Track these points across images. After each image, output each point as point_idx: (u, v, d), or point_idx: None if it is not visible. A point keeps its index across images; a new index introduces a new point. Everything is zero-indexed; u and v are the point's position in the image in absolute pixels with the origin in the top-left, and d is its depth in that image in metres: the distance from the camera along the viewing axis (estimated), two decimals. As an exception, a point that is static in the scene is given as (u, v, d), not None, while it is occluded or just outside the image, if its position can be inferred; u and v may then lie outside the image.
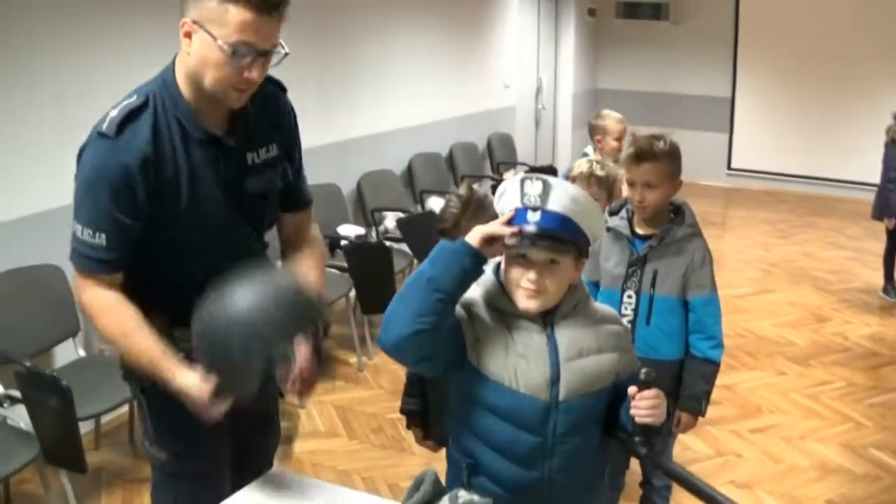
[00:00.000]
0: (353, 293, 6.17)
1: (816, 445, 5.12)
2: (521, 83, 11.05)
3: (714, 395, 3.50)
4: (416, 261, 6.84)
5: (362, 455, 4.95)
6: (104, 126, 2.38)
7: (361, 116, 7.48)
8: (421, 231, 6.77)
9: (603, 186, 3.89)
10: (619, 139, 5.75)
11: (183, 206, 2.47)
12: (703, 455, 4.93)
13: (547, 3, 11.80)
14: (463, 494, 2.25)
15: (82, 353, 4.80)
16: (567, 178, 3.96)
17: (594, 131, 5.76)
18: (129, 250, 2.46)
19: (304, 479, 2.81)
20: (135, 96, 2.44)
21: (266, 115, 2.67)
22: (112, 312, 2.45)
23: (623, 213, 3.54)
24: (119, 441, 5.03)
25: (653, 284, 3.42)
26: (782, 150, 12.30)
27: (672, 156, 3.40)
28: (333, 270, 6.23)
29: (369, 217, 7.32)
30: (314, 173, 6.52)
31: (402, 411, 3.32)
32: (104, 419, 4.93)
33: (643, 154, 3.38)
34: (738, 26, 12.36)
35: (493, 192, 2.30)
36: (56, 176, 4.68)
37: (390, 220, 7.25)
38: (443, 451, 3.28)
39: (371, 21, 7.56)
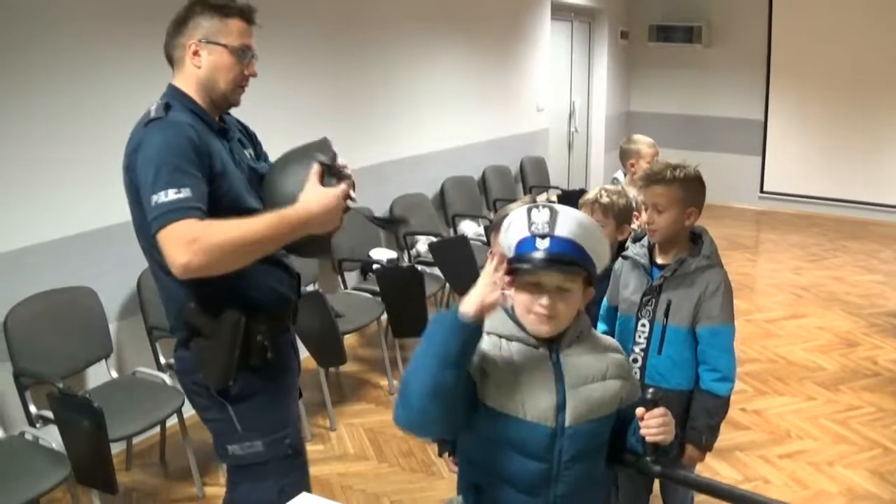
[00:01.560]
0: (384, 317, 6.16)
1: (845, 471, 5.06)
2: (553, 106, 11.06)
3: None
4: (447, 285, 6.86)
5: (392, 478, 4.94)
6: (152, 114, 2.72)
7: (395, 140, 7.51)
8: (453, 255, 6.77)
9: (608, 214, 3.87)
10: (651, 162, 5.76)
11: (223, 184, 2.78)
12: (731, 480, 4.88)
13: (580, 26, 11.83)
14: None
15: (115, 374, 4.83)
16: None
17: (627, 156, 5.77)
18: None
19: (334, 503, 2.82)
20: (156, 102, 2.80)
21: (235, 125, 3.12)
22: (216, 223, 2.60)
23: (645, 240, 3.54)
24: (150, 462, 5.05)
25: (666, 314, 3.40)
26: (815, 173, 12.24)
27: (686, 183, 3.37)
28: (365, 294, 6.26)
29: (401, 241, 7.33)
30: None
31: (434, 439, 3.32)
32: (136, 440, 4.96)
33: (653, 176, 3.39)
34: (771, 49, 12.33)
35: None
36: (91, 199, 4.76)
37: (422, 244, 7.26)
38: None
39: (405, 44, 7.61)
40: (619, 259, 3.62)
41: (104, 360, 4.79)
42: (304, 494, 2.72)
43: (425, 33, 7.94)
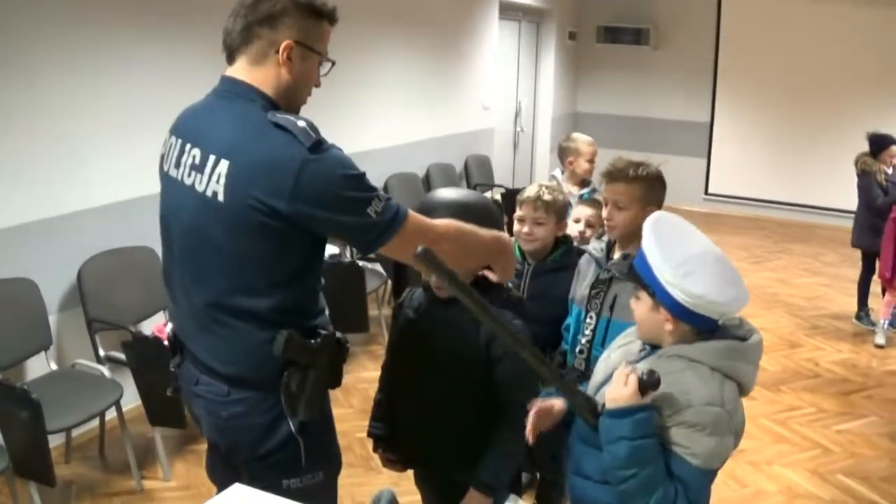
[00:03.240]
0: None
1: (784, 471, 5.18)
2: (500, 105, 11.13)
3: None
4: (387, 280, 6.88)
5: (330, 473, 4.96)
6: (311, 140, 2.40)
7: (337, 137, 7.27)
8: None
9: (550, 211, 3.93)
10: (591, 161, 5.86)
11: None
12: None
13: (528, 26, 11.91)
14: None
15: (54, 366, 4.83)
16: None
17: (566, 153, 5.86)
18: None
19: (271, 496, 2.82)
20: (269, 112, 2.47)
21: None
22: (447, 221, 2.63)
23: (606, 237, 3.60)
24: (89, 455, 5.05)
25: (611, 308, 3.45)
26: (760, 176, 12.45)
27: (648, 182, 3.40)
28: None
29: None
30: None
31: (370, 435, 3.37)
32: (75, 433, 4.95)
33: (616, 173, 3.41)
34: (718, 52, 12.52)
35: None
36: (29, 190, 4.73)
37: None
38: (409, 472, 3.36)
39: (348, 40, 7.60)
40: (583, 256, 3.70)
41: (43, 353, 4.78)
42: (236, 485, 2.71)
43: (370, 29, 7.95)
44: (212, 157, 2.43)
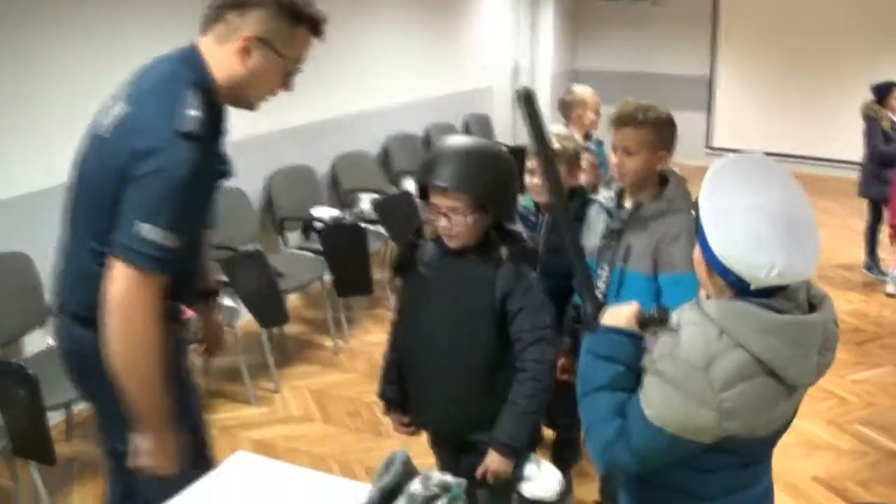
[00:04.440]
0: (327, 276, 6.06)
1: (802, 422, 5.04)
2: (499, 64, 10.94)
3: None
4: (391, 242, 6.77)
5: (338, 439, 4.89)
6: (186, 125, 2.35)
7: (336, 97, 7.36)
8: (397, 212, 6.70)
9: (560, 160, 3.77)
10: (597, 112, 5.72)
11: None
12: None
13: (525, -18, 11.72)
14: (435, 475, 2.22)
15: (51, 342, 4.70)
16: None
17: (570, 107, 5.72)
18: None
19: (277, 462, 2.74)
20: (191, 89, 2.42)
21: None
22: (159, 341, 2.41)
23: (614, 185, 3.47)
24: (92, 432, 4.93)
25: (624, 259, 3.32)
26: (765, 129, 12.25)
27: (657, 125, 3.26)
28: (307, 253, 6.16)
29: (344, 199, 7.22)
30: (287, 154, 6.53)
31: (381, 397, 3.26)
32: (76, 409, 4.84)
33: (624, 118, 3.27)
34: (718, 5, 12.34)
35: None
36: (21, 163, 4.61)
37: (365, 202, 7.17)
38: (422, 436, 3.24)
39: (345, 1, 7.46)
40: (593, 205, 3.57)
41: (39, 328, 4.65)
42: (239, 452, 2.65)
43: (366, -11, 7.79)
44: (120, 102, 2.47)
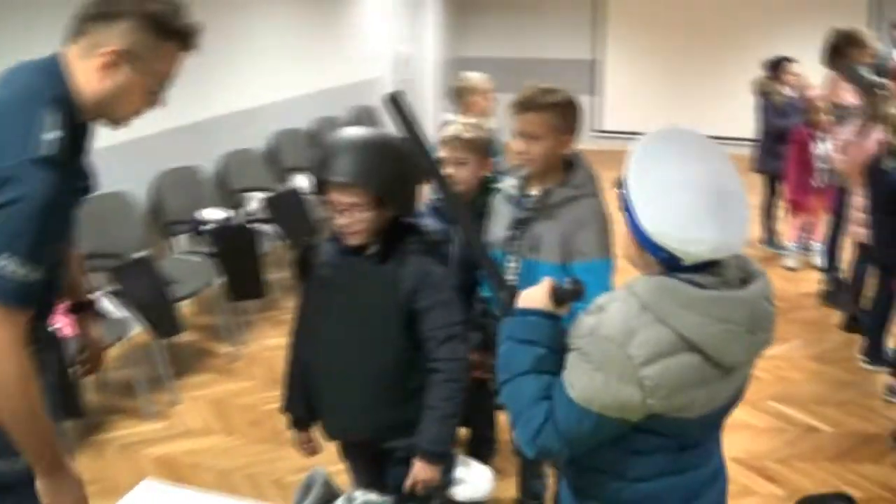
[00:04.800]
0: (220, 280, 5.81)
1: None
2: (384, 54, 10.81)
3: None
4: (283, 241, 6.56)
5: (243, 451, 4.66)
6: (42, 150, 2.10)
7: (220, 94, 7.10)
8: (288, 210, 6.50)
9: (471, 150, 3.63)
10: (490, 98, 5.60)
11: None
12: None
13: (406, -28, 11.58)
14: (359, 495, 2.08)
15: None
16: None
17: (463, 94, 5.58)
18: None
19: (185, 490, 2.54)
20: (50, 106, 2.16)
21: None
22: (33, 378, 2.17)
23: (518, 172, 3.34)
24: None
25: (534, 249, 3.19)
26: (655, 109, 12.38)
27: (560, 108, 3.16)
28: (197, 258, 5.91)
29: (233, 199, 6.97)
30: (172, 155, 6.26)
31: (285, 412, 3.07)
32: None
33: (527, 103, 3.15)
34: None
35: None
36: None
37: (254, 202, 6.95)
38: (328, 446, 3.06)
39: (221, -5, 7.20)
40: (495, 193, 3.43)
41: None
42: (146, 482, 2.45)
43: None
44: None
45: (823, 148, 7.07)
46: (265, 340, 6.06)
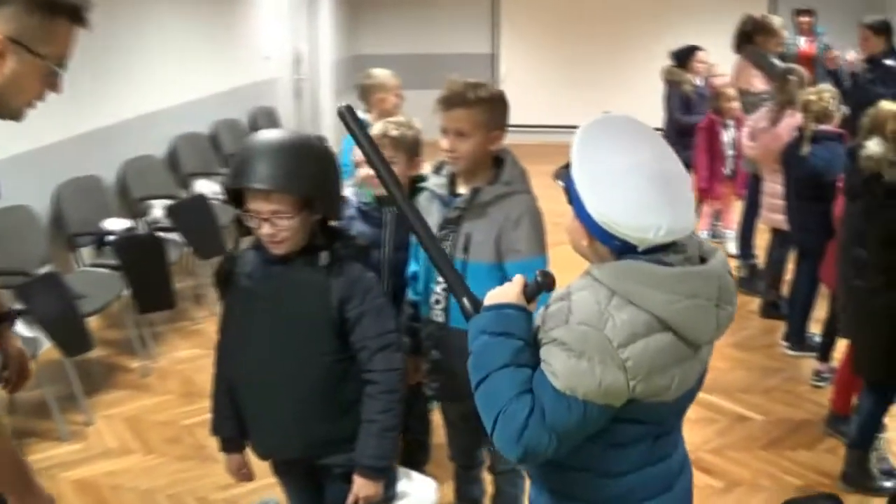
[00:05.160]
0: (127, 292, 5.61)
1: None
2: (280, 53, 10.66)
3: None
4: (189, 248, 6.38)
5: (163, 470, 4.49)
6: None
7: (117, 100, 6.86)
8: (192, 217, 6.33)
9: (399, 148, 3.55)
10: (399, 95, 5.51)
11: None
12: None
13: (300, -30, 11.42)
14: None
15: None
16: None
17: (370, 91, 5.48)
18: None
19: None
20: None
21: None
22: None
23: (445, 170, 3.24)
24: None
25: (465, 249, 3.10)
26: (553, 101, 12.41)
27: (490, 104, 3.08)
28: (103, 270, 5.70)
29: (135, 208, 6.76)
30: (72, 165, 6.04)
31: (215, 435, 2.95)
32: None
33: (454, 99, 3.06)
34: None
35: None
36: None
37: (158, 210, 6.73)
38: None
39: (112, 2, 6.97)
40: (422, 194, 3.33)
41: None
42: None
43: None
44: None
45: (731, 135, 7.15)
46: (177, 353, 5.90)
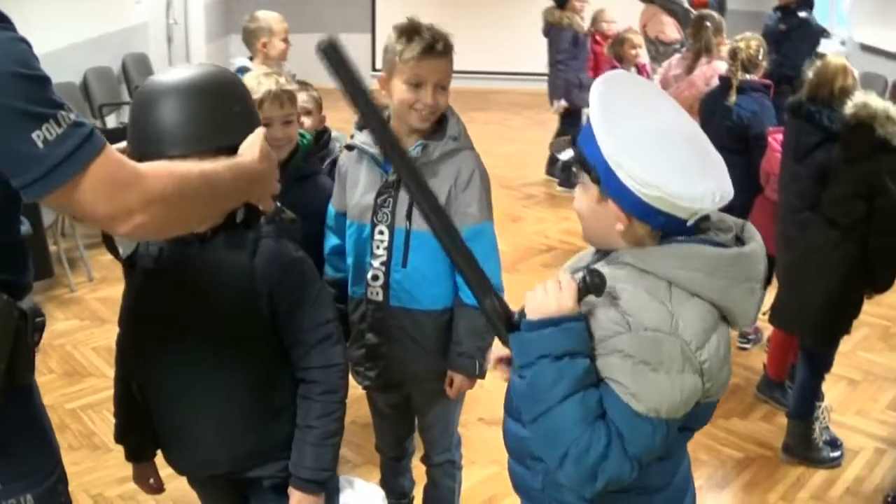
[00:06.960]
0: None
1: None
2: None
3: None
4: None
5: (51, 463, 4.05)
6: None
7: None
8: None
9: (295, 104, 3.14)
10: (286, 39, 5.13)
11: None
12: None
13: None
14: None
15: None
16: None
17: (255, 35, 5.12)
18: None
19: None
20: None
21: None
22: (163, 166, 1.78)
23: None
24: None
25: (409, 216, 2.76)
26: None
27: (451, 51, 2.79)
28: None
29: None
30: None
31: (119, 443, 2.58)
32: None
33: (443, 45, 2.73)
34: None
35: None
36: None
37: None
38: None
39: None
40: (344, 153, 2.95)
41: None
42: None
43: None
44: None
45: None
46: (55, 325, 5.34)
